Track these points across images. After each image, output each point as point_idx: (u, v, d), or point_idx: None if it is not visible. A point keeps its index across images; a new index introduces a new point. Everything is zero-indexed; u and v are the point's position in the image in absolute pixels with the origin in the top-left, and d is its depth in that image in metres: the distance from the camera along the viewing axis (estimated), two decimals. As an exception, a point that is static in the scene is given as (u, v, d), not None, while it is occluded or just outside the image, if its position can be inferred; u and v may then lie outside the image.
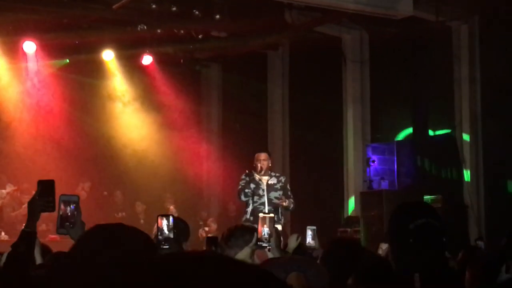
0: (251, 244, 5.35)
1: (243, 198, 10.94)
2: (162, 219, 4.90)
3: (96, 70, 16.50)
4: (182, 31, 14.98)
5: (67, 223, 4.01)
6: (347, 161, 15.40)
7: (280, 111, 17.08)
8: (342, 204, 15.30)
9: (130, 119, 17.12)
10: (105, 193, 16.16)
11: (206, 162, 18.03)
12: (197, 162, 17.46)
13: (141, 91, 17.16)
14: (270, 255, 5.52)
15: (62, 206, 4.03)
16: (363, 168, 14.88)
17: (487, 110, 13.73)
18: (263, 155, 11.11)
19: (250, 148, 17.25)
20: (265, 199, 10.79)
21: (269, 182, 10.88)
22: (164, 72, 17.04)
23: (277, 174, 11.09)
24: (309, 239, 6.74)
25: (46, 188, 4.08)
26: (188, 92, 17.61)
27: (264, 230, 5.26)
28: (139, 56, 16.18)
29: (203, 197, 17.64)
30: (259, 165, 10.91)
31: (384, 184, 14.27)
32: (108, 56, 16.06)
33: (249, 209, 10.74)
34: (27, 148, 15.72)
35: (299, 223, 14.99)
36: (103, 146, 16.81)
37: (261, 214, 5.36)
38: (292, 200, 11.02)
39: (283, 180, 10.99)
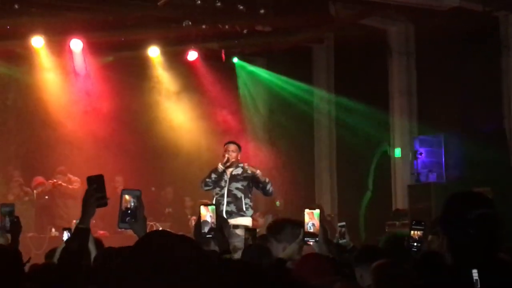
0: (298, 240, 5.34)
1: (202, 187, 10.89)
2: (204, 208, 4.88)
3: (142, 66, 16.62)
4: (227, 27, 15.00)
5: (129, 218, 3.99)
6: (394, 153, 15.29)
7: (325, 105, 17.03)
8: (390, 197, 15.21)
9: (177, 115, 17.21)
10: (153, 188, 16.26)
11: (253, 157, 18.02)
12: (244, 158, 17.44)
13: (187, 87, 17.23)
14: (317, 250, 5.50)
15: (123, 200, 4.00)
16: (410, 160, 14.76)
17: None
18: (232, 146, 10.96)
19: (297, 142, 17.33)
20: (225, 190, 10.68)
21: (233, 173, 10.73)
22: (210, 68, 17.09)
23: (245, 165, 10.88)
24: (339, 236, 6.70)
25: (97, 183, 4.07)
26: (234, 87, 17.63)
27: (310, 225, 5.22)
28: (184, 52, 16.26)
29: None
30: (226, 155, 10.79)
31: (432, 177, 14.14)
32: (154, 52, 16.17)
33: (214, 201, 10.64)
34: (75, 145, 15.90)
35: (347, 215, 14.98)
36: (151, 142, 16.94)
37: (307, 210, 5.31)
38: (267, 181, 10.83)
39: (249, 171, 10.86)
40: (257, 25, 15.27)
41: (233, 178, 10.69)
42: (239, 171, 10.74)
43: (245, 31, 15.34)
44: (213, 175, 10.75)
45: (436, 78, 14.66)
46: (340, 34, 15.80)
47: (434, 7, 13.46)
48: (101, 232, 14.45)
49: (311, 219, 5.25)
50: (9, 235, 5.74)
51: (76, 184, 14.93)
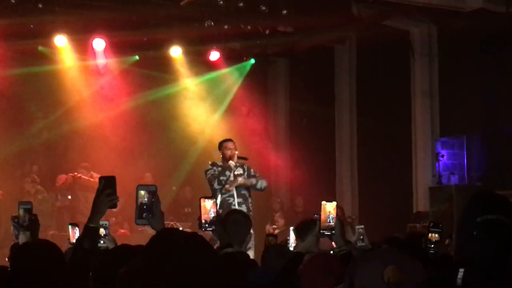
0: (314, 232, 5.32)
1: (216, 185, 10.61)
2: (205, 201, 4.86)
3: (165, 66, 16.67)
4: (249, 27, 15.01)
5: (146, 213, 3.98)
6: (416, 155, 15.22)
7: (347, 106, 16.98)
8: (411, 199, 15.14)
9: (198, 114, 17.25)
10: (174, 188, 16.31)
11: (274, 157, 18.04)
12: (265, 157, 17.46)
13: (208, 86, 17.27)
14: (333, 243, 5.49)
15: (139, 197, 3.99)
16: (432, 162, 14.69)
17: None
18: (231, 144, 10.83)
19: (318, 143, 17.30)
20: (234, 191, 10.60)
21: (236, 173, 10.66)
22: (234, 67, 17.13)
23: (240, 161, 10.80)
24: (357, 239, 6.69)
25: (109, 184, 4.09)
26: (256, 87, 17.64)
27: (328, 218, 5.21)
28: (206, 52, 16.28)
29: (271, 192, 17.63)
30: (229, 153, 10.66)
31: (454, 179, 14.06)
32: (176, 52, 16.18)
33: (218, 200, 10.34)
34: (96, 143, 16.00)
35: (368, 217, 14.94)
36: (172, 141, 17.01)
37: (323, 202, 5.28)
38: (259, 178, 10.81)
39: (246, 168, 10.80)
40: (279, 25, 15.27)
41: (238, 177, 10.66)
42: (240, 171, 10.71)
43: (267, 32, 15.34)
44: (227, 172, 10.66)
45: (459, 79, 14.58)
46: (363, 34, 15.73)
47: (457, 8, 13.38)
48: (122, 231, 14.52)
49: (330, 212, 5.23)
50: (28, 233, 5.79)
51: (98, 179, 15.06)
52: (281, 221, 15.11)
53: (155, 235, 2.52)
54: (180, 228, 14.61)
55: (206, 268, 2.36)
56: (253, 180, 10.83)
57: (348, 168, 16.87)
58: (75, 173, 15.22)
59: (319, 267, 4.37)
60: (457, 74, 14.63)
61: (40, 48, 15.41)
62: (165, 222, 14.17)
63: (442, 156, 14.19)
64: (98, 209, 4.02)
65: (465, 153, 14.25)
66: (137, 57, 16.31)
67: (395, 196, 15.31)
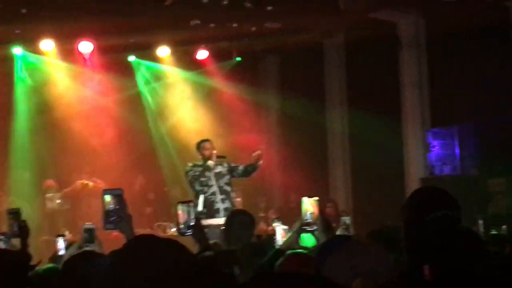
0: (295, 229, 5.27)
1: (198, 187, 10.74)
2: (181, 206, 4.80)
3: (154, 67, 16.65)
4: (235, 24, 14.93)
5: (113, 218, 3.94)
6: (407, 147, 15.18)
7: (338, 99, 16.96)
8: (403, 190, 15.08)
9: (188, 113, 17.21)
10: (166, 189, 16.27)
11: (266, 153, 17.90)
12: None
13: (198, 86, 17.23)
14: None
15: (105, 202, 3.96)
16: (423, 153, 14.65)
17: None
18: (208, 144, 11.01)
19: (309, 138, 17.24)
20: (216, 188, 10.67)
21: (216, 171, 10.77)
22: (220, 66, 17.09)
23: (219, 160, 10.92)
24: (341, 230, 6.67)
25: None
26: (245, 84, 17.58)
27: (307, 214, 5.13)
28: (194, 51, 16.25)
29: (264, 189, 17.58)
30: (207, 153, 10.79)
31: (446, 169, 14.00)
32: (164, 52, 16.14)
33: (201, 200, 10.52)
34: (85, 145, 15.95)
35: (361, 211, 14.90)
36: (161, 141, 16.98)
37: (304, 198, 5.23)
38: (242, 166, 11.00)
39: (225, 165, 10.90)
40: (266, 22, 15.17)
41: (218, 175, 10.72)
42: (220, 168, 10.76)
43: (253, 29, 15.26)
44: (208, 173, 10.71)
45: (448, 69, 14.54)
46: (350, 28, 15.69)
47: (444, -2, 13.34)
48: (115, 233, 14.47)
49: (310, 208, 5.17)
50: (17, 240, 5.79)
51: (102, 184, 15.09)
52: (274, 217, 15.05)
53: (128, 242, 2.47)
54: (173, 229, 14.59)
55: (182, 274, 2.30)
56: (240, 166, 10.92)
57: (341, 162, 16.84)
58: (83, 180, 15.22)
59: (295, 267, 4.31)
60: (445, 64, 14.59)
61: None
62: (158, 223, 14.15)
63: (433, 147, 14.14)
64: None
65: (457, 143, 14.20)
66: (125, 59, 16.28)
67: (388, 188, 15.26)
